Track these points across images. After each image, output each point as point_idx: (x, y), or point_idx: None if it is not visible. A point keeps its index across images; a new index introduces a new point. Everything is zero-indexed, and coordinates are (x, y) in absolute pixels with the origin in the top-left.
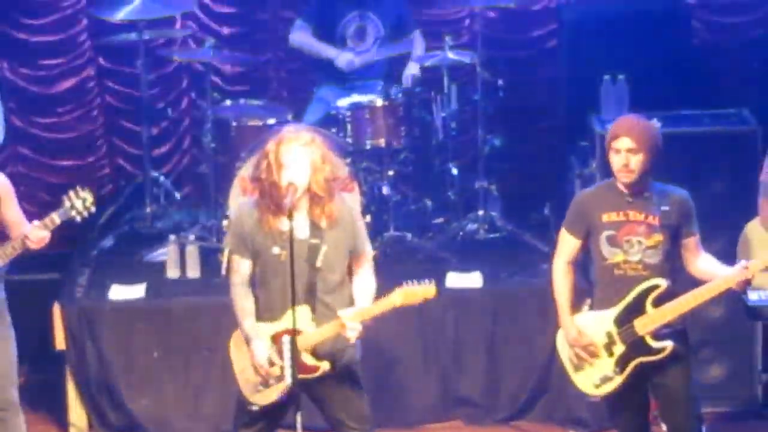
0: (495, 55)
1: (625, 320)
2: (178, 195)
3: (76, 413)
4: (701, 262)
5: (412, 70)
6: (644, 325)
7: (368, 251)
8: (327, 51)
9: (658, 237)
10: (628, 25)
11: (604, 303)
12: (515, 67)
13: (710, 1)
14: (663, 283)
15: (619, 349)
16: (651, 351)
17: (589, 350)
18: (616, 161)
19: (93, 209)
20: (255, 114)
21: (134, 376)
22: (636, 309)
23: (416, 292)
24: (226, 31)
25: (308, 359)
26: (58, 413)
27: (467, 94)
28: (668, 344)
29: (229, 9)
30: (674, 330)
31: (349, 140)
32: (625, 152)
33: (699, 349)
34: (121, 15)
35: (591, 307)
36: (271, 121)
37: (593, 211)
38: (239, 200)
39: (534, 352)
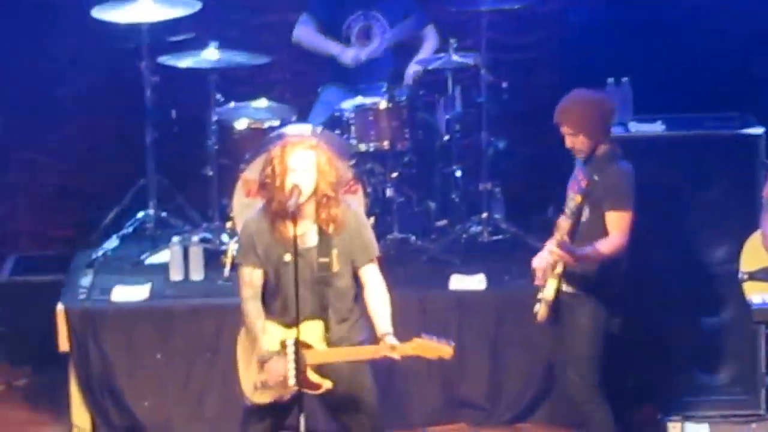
0: (499, 57)
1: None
2: (181, 197)
3: (79, 415)
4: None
5: (415, 67)
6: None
7: (375, 256)
8: (331, 47)
9: (578, 198)
10: (633, 27)
11: None
12: (519, 69)
13: (716, 3)
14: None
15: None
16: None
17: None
18: (566, 142)
19: None
20: (259, 116)
21: (137, 377)
22: None
23: (432, 348)
24: (230, 32)
25: (313, 376)
26: (62, 414)
27: (471, 97)
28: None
29: (233, 11)
30: (585, 273)
31: (353, 142)
32: (568, 137)
33: (703, 353)
34: (125, 17)
35: None
36: (275, 123)
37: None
38: (243, 203)
39: (537, 354)
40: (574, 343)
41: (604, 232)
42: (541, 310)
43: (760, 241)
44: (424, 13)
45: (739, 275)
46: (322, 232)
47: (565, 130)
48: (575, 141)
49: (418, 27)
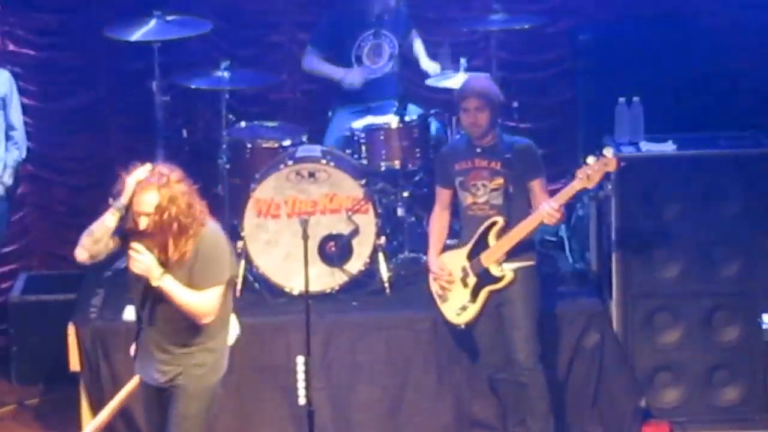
0: (509, 76)
1: (474, 254)
2: None
3: None
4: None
5: (431, 66)
6: (487, 257)
7: (213, 283)
8: (334, 72)
9: (499, 180)
10: (644, 46)
11: (462, 242)
12: (530, 89)
13: (726, 22)
14: (500, 219)
15: (472, 280)
16: (495, 279)
17: (449, 282)
18: (464, 118)
19: None
20: (270, 135)
21: None
22: (482, 244)
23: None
24: (241, 52)
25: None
26: None
27: None
28: (508, 272)
29: (244, 30)
30: (524, 266)
31: (364, 162)
32: (473, 110)
33: (714, 371)
34: (136, 36)
35: (456, 245)
36: (287, 142)
37: (449, 162)
38: (254, 222)
39: (548, 372)
40: (523, 318)
41: (527, 204)
42: (471, 312)
43: None
44: (409, 19)
45: None
46: (168, 268)
47: (473, 103)
48: (479, 116)
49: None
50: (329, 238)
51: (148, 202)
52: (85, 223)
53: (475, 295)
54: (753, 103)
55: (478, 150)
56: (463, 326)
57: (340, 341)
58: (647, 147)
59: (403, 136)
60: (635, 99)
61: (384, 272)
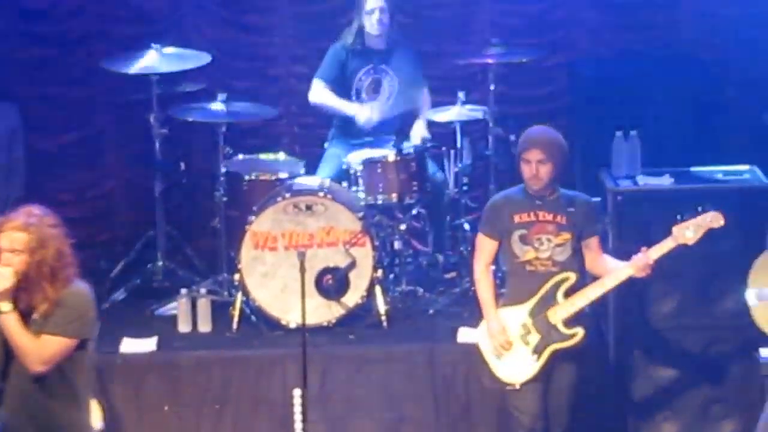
0: (507, 110)
1: (538, 311)
2: (189, 249)
3: None
4: (603, 261)
5: (421, 131)
6: (556, 314)
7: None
8: (347, 108)
9: (566, 235)
10: (641, 80)
11: (516, 298)
12: (527, 122)
13: (723, 56)
14: (572, 275)
15: (535, 338)
16: (564, 337)
17: (508, 342)
18: (526, 170)
19: None
20: (267, 168)
21: (144, 429)
22: (548, 300)
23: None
24: (238, 85)
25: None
26: None
27: (479, 150)
28: (579, 330)
29: (241, 63)
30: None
31: (361, 195)
32: (535, 163)
33: (711, 405)
34: (135, 68)
35: (503, 304)
36: (284, 175)
37: (506, 213)
38: (251, 255)
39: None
40: (567, 393)
41: (582, 261)
42: (532, 370)
43: None
44: (422, 76)
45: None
46: (30, 312)
47: (536, 155)
48: (541, 169)
49: (418, 90)
50: (326, 271)
51: (18, 240)
52: (82, 257)
53: (538, 352)
54: (749, 137)
55: (539, 202)
56: (518, 386)
57: (337, 374)
58: (644, 181)
59: (401, 170)
60: (632, 132)
61: (381, 305)
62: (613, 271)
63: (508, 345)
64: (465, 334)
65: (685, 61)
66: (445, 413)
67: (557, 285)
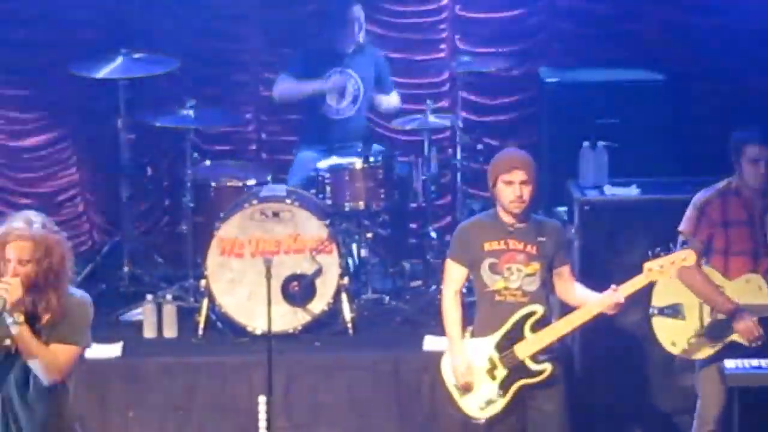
0: (475, 119)
1: (505, 346)
2: (156, 255)
3: None
4: (573, 289)
5: (393, 101)
6: (523, 350)
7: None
8: (313, 85)
9: (536, 265)
10: (609, 91)
11: (485, 329)
12: (495, 131)
13: (693, 67)
14: (540, 309)
15: (501, 373)
16: (531, 373)
17: (470, 384)
18: (508, 192)
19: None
20: (235, 174)
21: None
22: (515, 334)
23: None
24: (206, 91)
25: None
26: None
27: (447, 158)
28: (547, 366)
29: (210, 69)
30: (552, 356)
31: (329, 202)
32: (519, 184)
33: (677, 415)
34: (102, 73)
35: (472, 333)
36: (251, 182)
37: (476, 240)
38: (218, 261)
39: None
40: (556, 416)
41: (552, 290)
42: (498, 406)
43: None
44: (391, 81)
45: (650, 310)
46: (33, 321)
47: (520, 176)
48: (524, 190)
49: (386, 94)
50: (293, 277)
51: (25, 249)
52: None
53: (504, 388)
54: (717, 148)
55: (510, 230)
56: (483, 421)
57: (302, 381)
58: (611, 191)
59: (368, 177)
60: (600, 143)
61: (347, 313)
62: (583, 308)
63: (471, 387)
64: (431, 342)
65: (654, 72)
66: (410, 421)
67: (524, 319)
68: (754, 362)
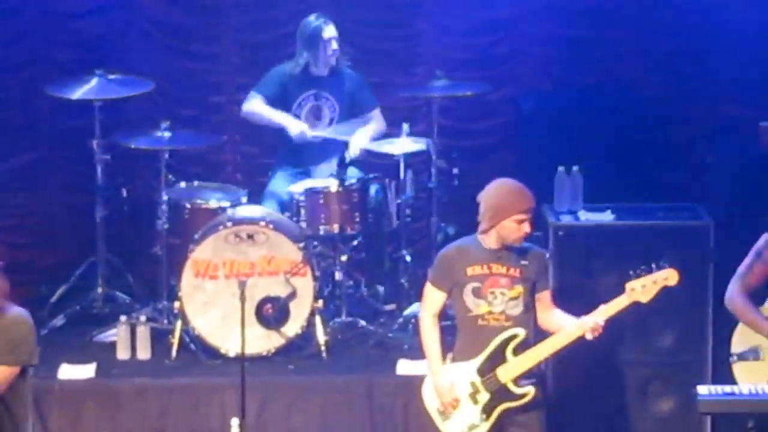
0: (451, 143)
1: (487, 369)
2: (130, 276)
3: None
4: (553, 315)
5: (361, 140)
6: (506, 373)
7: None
8: (280, 118)
9: (520, 288)
10: (585, 116)
11: (466, 353)
12: (470, 155)
13: (667, 93)
14: (521, 332)
15: (484, 397)
16: (514, 397)
17: (456, 399)
18: (519, 229)
19: None
20: (209, 196)
21: None
22: (497, 358)
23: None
24: (181, 112)
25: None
26: None
27: (422, 182)
28: (530, 389)
29: (185, 91)
30: (534, 380)
31: (303, 225)
32: (529, 221)
33: None
34: (77, 94)
35: (453, 359)
36: (226, 204)
37: (459, 265)
38: (192, 283)
39: None
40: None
41: (533, 316)
42: (481, 430)
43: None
44: (372, 97)
45: (730, 358)
46: None
47: (530, 214)
48: (529, 227)
49: (366, 112)
50: (267, 300)
51: None
52: (23, 280)
53: (487, 412)
54: (692, 174)
55: (493, 255)
56: None
57: (276, 404)
58: (586, 216)
59: (343, 200)
60: (575, 168)
61: (321, 336)
62: (564, 330)
63: (456, 403)
64: (404, 366)
65: (629, 98)
66: None
67: (506, 342)
68: (727, 388)
